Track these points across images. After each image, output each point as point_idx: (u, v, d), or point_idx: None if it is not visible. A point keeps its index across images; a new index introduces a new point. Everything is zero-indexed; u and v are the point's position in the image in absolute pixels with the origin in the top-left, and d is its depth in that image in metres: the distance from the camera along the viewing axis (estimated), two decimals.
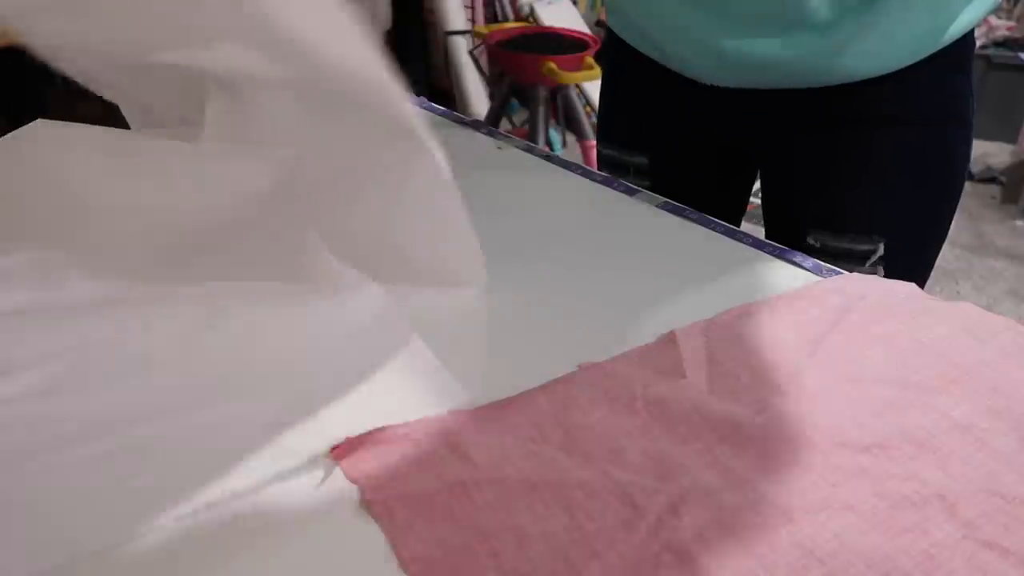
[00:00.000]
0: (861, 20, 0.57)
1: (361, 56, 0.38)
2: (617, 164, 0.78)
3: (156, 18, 0.42)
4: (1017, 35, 2.88)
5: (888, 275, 0.56)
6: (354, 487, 0.35)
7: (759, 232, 0.70)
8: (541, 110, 2.13)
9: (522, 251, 0.56)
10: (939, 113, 0.63)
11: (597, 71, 1.95)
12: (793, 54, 0.58)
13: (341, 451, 0.36)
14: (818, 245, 0.67)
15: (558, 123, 2.49)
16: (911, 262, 0.66)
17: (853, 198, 0.65)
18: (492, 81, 2.62)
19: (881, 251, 0.65)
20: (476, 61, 2.59)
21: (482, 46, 2.31)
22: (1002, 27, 2.89)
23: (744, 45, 0.60)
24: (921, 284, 0.52)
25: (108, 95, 0.53)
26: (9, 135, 0.48)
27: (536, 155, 0.74)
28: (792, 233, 0.68)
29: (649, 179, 0.77)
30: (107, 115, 0.70)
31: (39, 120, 0.48)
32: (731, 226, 0.61)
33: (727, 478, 0.35)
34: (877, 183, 0.64)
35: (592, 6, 3.00)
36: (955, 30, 0.59)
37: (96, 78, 0.50)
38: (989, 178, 2.64)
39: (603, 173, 0.69)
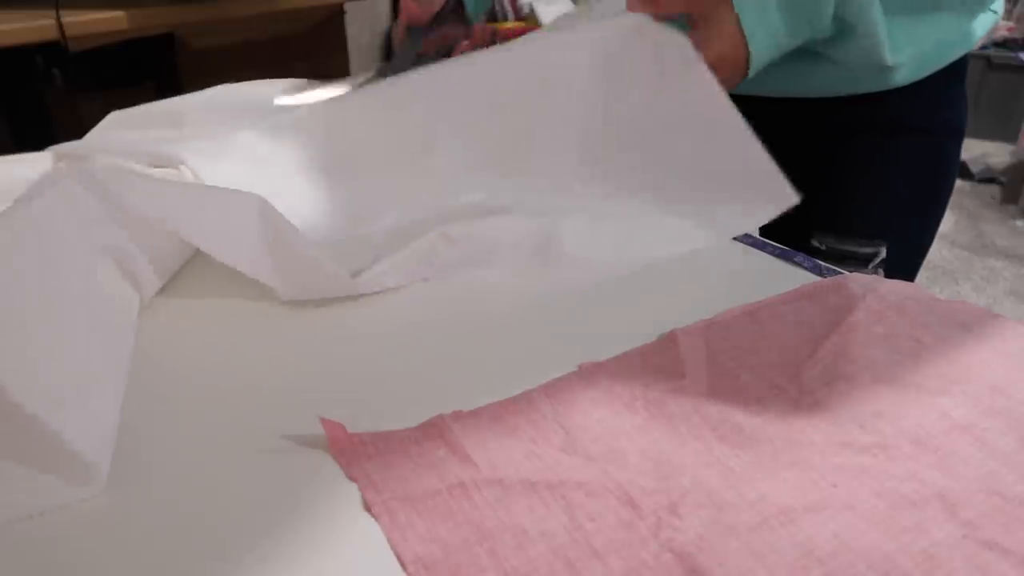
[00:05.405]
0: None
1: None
2: None
3: None
4: (1017, 35, 2.88)
5: (887, 276, 0.57)
6: (354, 487, 0.35)
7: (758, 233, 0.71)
8: None
9: None
10: (937, 124, 0.67)
11: None
12: (806, 69, 0.60)
13: (335, 436, 0.36)
14: (823, 247, 0.69)
15: None
16: (906, 264, 0.71)
17: (859, 203, 0.69)
18: None
19: (883, 254, 0.67)
20: None
21: (482, 45, 2.31)
22: (1002, 27, 2.89)
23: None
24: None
25: None
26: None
27: None
28: (797, 235, 0.70)
29: None
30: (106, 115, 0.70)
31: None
32: None
33: (727, 478, 0.35)
34: (880, 189, 0.68)
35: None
36: (957, 51, 0.64)
37: None
38: (989, 178, 2.64)
39: None
